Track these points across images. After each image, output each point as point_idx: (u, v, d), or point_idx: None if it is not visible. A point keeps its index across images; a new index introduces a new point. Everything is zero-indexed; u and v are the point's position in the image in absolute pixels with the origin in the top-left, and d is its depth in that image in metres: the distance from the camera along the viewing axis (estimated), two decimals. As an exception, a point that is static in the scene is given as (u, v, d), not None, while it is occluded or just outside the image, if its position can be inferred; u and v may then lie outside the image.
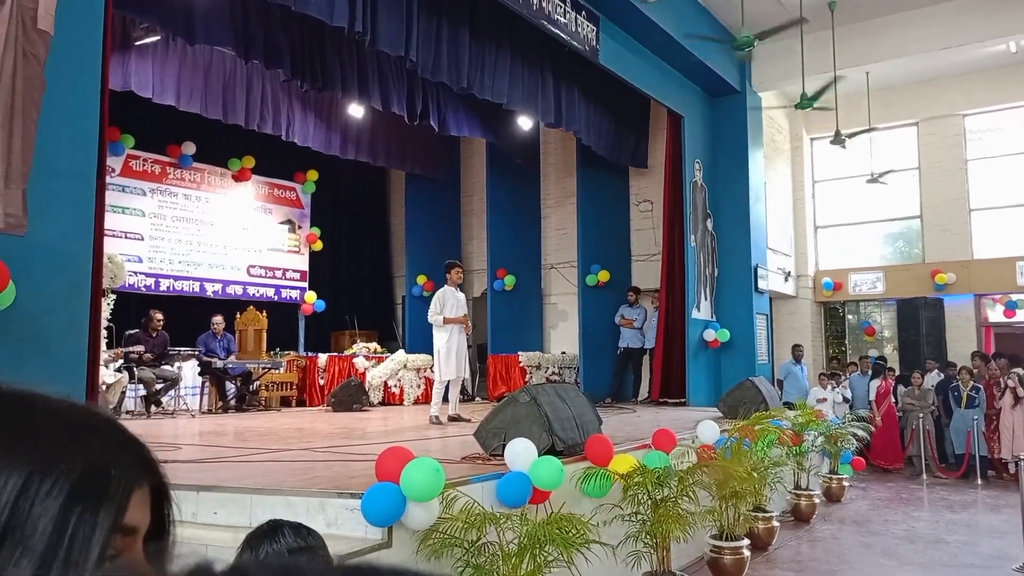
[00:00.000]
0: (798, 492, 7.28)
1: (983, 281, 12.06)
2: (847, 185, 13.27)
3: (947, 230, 12.43)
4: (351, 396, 9.51)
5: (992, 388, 10.08)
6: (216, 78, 9.16)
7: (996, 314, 12.27)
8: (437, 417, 7.50)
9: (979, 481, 9.53)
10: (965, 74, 12.16)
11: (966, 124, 12.55)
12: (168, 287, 10.44)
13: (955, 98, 12.43)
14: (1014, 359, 10.60)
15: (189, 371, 9.36)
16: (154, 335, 8.69)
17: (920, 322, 12.05)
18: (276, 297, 11.75)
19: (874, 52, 10.68)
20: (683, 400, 10.25)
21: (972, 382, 10.06)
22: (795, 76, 9.86)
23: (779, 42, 9.51)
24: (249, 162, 11.31)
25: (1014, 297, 11.91)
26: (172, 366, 8.82)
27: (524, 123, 10.51)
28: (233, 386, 9.51)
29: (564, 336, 12.44)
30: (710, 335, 10.53)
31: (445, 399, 7.80)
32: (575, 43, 8.20)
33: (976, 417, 9.77)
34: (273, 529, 1.61)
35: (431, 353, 8.20)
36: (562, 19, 7.94)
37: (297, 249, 12.14)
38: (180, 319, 9.55)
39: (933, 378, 10.84)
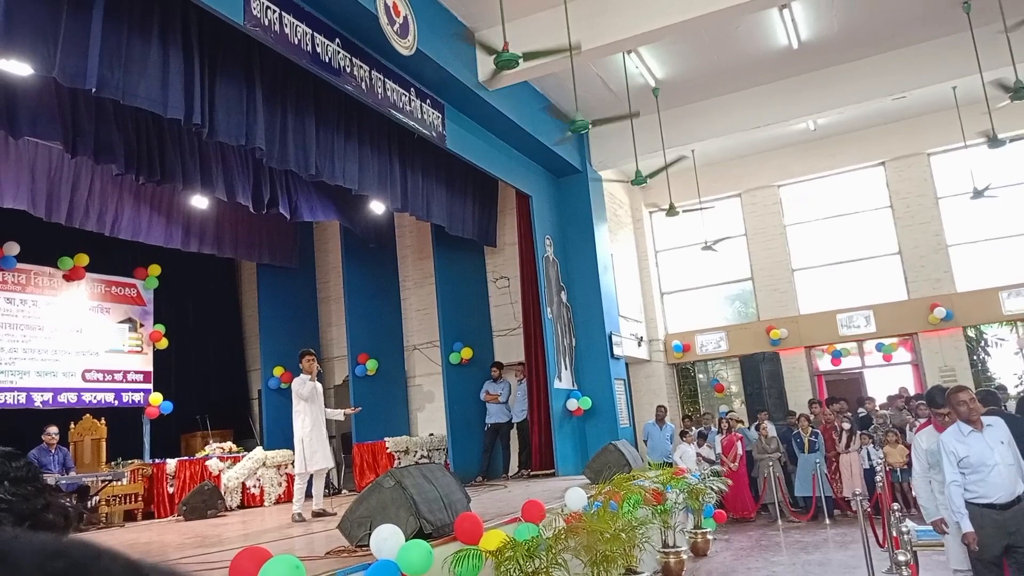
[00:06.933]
0: (666, 550, 7.45)
1: (811, 334, 13.23)
2: (686, 253, 14.29)
3: (776, 289, 13.62)
4: (205, 502, 8.87)
5: (830, 432, 10.92)
6: (41, 173, 8.60)
7: (825, 363, 13.43)
8: (300, 514, 7.13)
9: (827, 521, 10.18)
10: (777, 149, 13.64)
11: (781, 194, 13.98)
12: (-13, 400, 9.44)
13: (770, 171, 13.86)
14: (831, 401, 11.63)
15: (14, 492, 8.38)
16: (-29, 455, 7.76)
17: (762, 376, 12.94)
18: (116, 402, 10.87)
19: (697, 132, 11.74)
20: (552, 471, 10.34)
21: (811, 428, 10.85)
22: (629, 155, 10.63)
23: (614, 124, 10.27)
24: (82, 260, 10.59)
25: (838, 346, 13.13)
26: (-7, 488, 7.87)
27: (377, 206, 10.49)
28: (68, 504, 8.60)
29: (431, 417, 12.29)
30: (573, 404, 10.77)
31: (308, 494, 7.45)
32: (423, 129, 8.42)
33: (818, 460, 10.50)
34: None
35: (292, 448, 7.84)
36: (408, 107, 8.16)
37: (139, 349, 11.36)
38: (3, 435, 8.60)
39: (772, 428, 11.55)
